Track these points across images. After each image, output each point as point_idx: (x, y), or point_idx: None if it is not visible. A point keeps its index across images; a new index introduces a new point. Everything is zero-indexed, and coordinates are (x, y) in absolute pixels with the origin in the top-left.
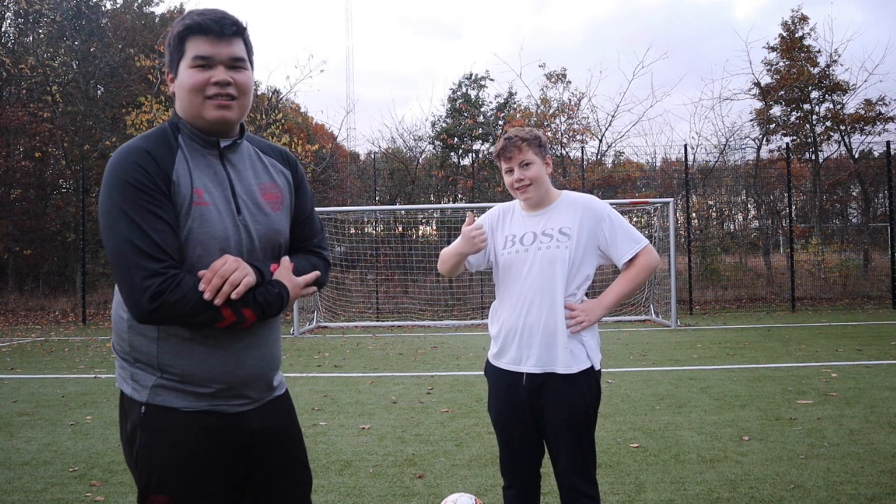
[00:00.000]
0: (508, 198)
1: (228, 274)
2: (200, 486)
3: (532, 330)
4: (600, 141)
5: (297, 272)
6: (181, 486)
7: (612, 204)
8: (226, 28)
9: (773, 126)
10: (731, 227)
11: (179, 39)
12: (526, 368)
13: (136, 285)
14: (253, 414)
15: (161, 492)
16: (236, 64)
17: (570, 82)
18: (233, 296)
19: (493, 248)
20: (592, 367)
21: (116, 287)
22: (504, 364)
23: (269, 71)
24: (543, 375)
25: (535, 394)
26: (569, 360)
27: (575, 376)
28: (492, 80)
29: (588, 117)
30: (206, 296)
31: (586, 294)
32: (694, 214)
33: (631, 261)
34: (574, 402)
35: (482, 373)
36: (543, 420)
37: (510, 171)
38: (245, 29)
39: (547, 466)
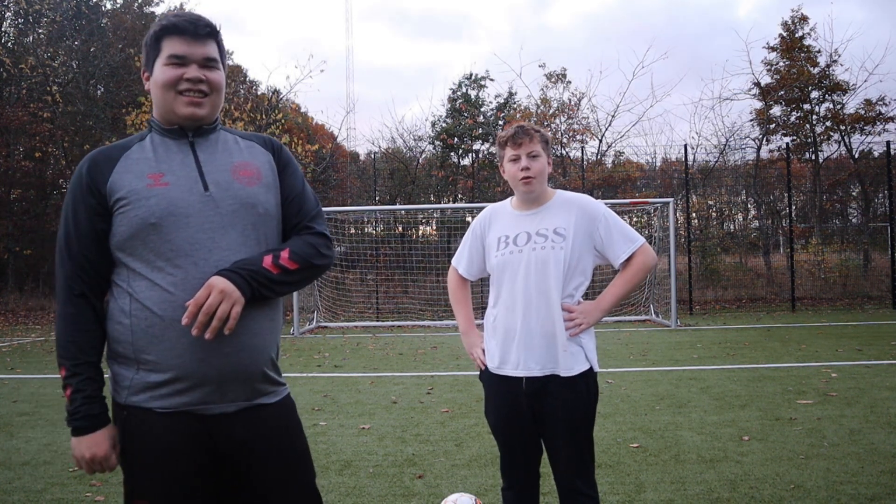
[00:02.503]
0: (508, 198)
1: (213, 308)
2: (179, 492)
3: (530, 332)
4: (600, 141)
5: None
6: (161, 492)
7: (611, 204)
8: (200, 29)
9: (773, 126)
10: (731, 227)
11: (156, 39)
12: (525, 372)
13: (57, 283)
14: (235, 420)
15: (143, 498)
16: (209, 63)
17: (570, 82)
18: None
19: (485, 250)
20: (591, 369)
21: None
22: (503, 371)
23: (269, 71)
24: (544, 378)
25: (536, 396)
26: (569, 362)
27: (575, 378)
28: (492, 80)
29: (588, 117)
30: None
31: (585, 295)
32: (694, 214)
33: (628, 260)
34: (574, 403)
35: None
36: (543, 422)
37: (516, 159)
38: (218, 32)
39: (546, 467)
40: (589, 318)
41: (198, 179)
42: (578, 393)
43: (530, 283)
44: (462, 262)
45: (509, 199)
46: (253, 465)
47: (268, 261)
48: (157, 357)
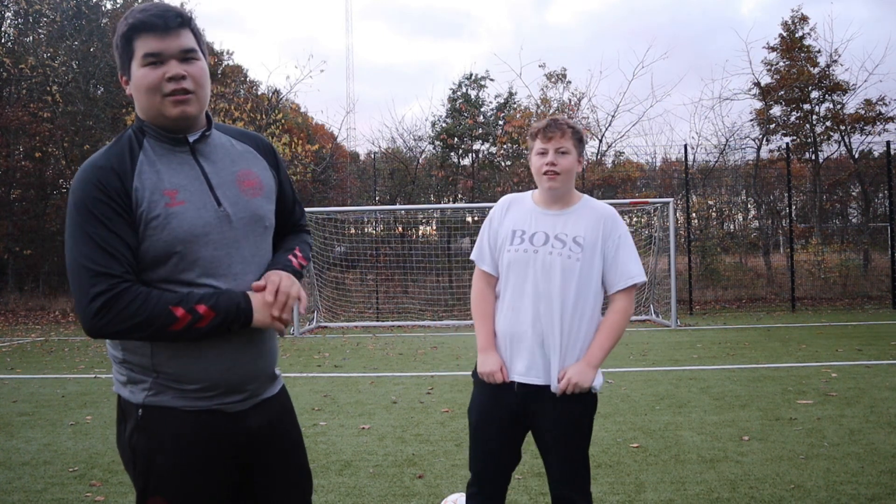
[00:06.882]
0: (530, 191)
1: (289, 289)
2: (198, 488)
3: (530, 337)
4: (600, 141)
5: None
6: (179, 487)
7: (611, 204)
8: (170, 21)
9: (773, 126)
10: (731, 227)
11: (126, 40)
12: (518, 377)
13: (82, 305)
14: (250, 412)
15: (159, 493)
16: (188, 56)
17: (570, 82)
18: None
19: (497, 240)
20: (591, 390)
21: None
22: None
23: (268, 71)
24: (538, 388)
25: (527, 404)
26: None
27: (572, 395)
28: (492, 80)
29: (588, 117)
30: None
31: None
32: (694, 214)
33: (616, 294)
34: (569, 420)
35: None
36: (535, 433)
37: (544, 152)
38: (191, 18)
39: (517, 473)
40: (584, 378)
41: (209, 194)
42: (573, 411)
43: (539, 287)
44: (482, 255)
45: (531, 192)
46: (261, 452)
47: (294, 261)
48: (179, 371)
